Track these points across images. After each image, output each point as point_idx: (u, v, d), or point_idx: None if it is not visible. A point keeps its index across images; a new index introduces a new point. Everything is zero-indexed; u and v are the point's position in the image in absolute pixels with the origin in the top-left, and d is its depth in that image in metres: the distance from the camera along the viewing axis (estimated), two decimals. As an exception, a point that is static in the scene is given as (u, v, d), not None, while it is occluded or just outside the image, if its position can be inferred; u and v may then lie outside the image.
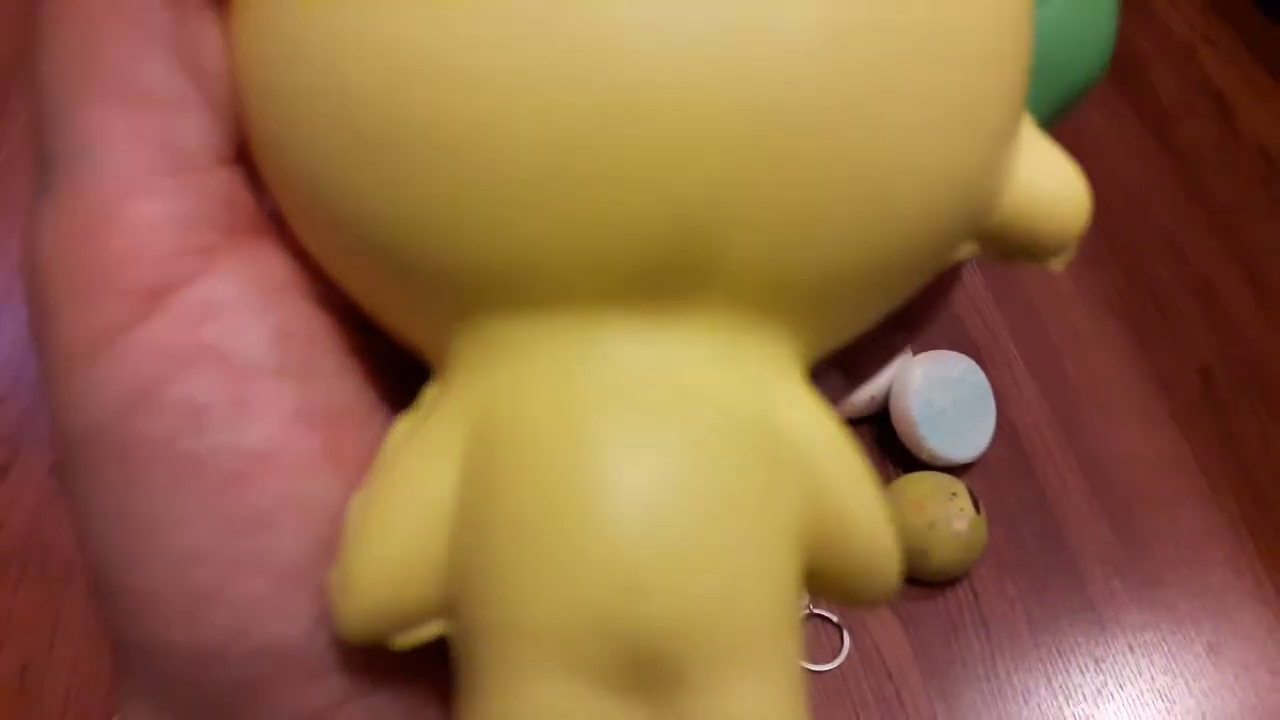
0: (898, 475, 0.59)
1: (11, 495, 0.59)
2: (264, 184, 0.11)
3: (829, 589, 0.10)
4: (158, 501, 0.10)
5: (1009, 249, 0.11)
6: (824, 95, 0.08)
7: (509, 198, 0.08)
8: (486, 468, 0.09)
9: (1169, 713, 0.55)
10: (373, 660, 0.10)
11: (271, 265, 0.10)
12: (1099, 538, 0.61)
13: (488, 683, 0.09)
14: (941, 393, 0.60)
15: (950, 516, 0.55)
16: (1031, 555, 0.60)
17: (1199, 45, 0.88)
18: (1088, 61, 0.12)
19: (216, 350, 0.10)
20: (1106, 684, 0.56)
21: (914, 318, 0.13)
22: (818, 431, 0.10)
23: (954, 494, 0.56)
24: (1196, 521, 0.62)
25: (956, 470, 0.61)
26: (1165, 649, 0.57)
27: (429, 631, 0.10)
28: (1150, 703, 0.55)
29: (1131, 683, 0.56)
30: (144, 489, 0.10)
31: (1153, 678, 0.56)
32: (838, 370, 0.14)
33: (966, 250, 0.11)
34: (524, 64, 0.08)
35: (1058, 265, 0.12)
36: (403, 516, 0.09)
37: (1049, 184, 0.11)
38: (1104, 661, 0.56)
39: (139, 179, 0.10)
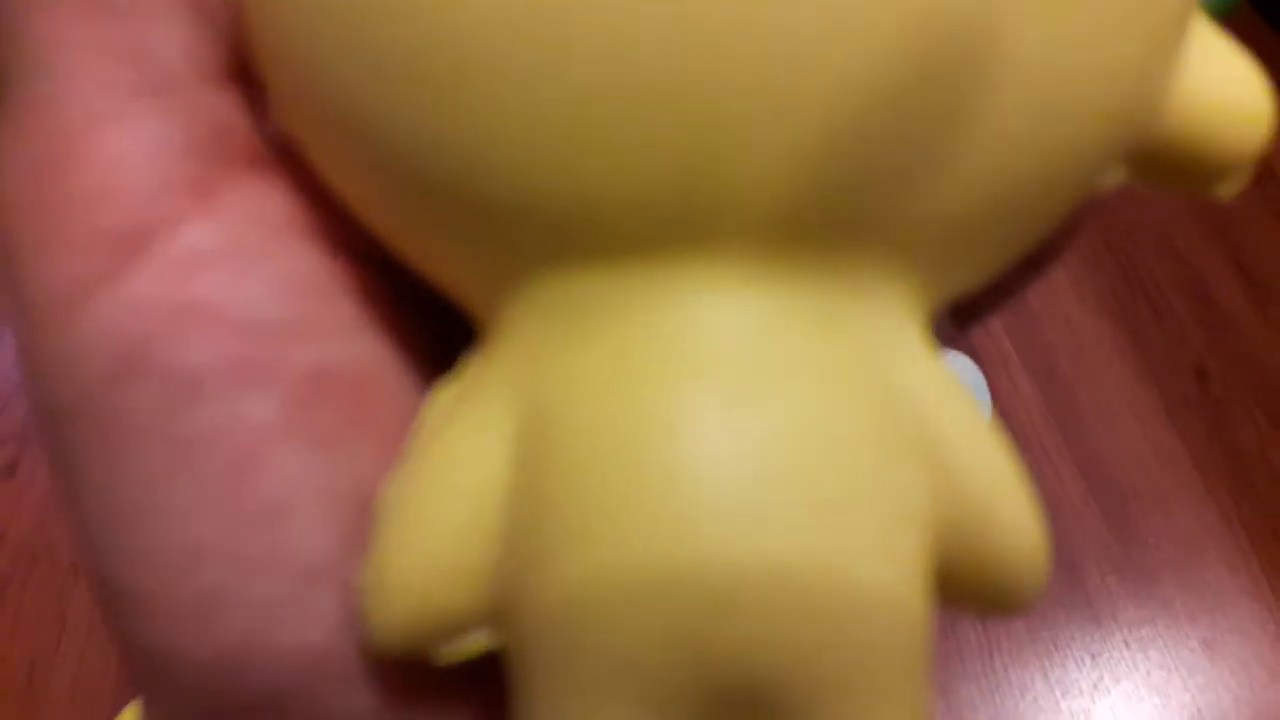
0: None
1: (18, 493, 0.59)
2: (266, 105, 0.09)
3: (964, 594, 0.08)
4: (153, 489, 0.08)
5: (1170, 169, 0.09)
6: None
7: (583, 115, 0.07)
8: (544, 452, 0.08)
9: (1164, 707, 0.55)
10: (409, 670, 0.09)
11: (273, 203, 0.09)
12: (1095, 534, 0.61)
13: (546, 710, 0.08)
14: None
15: (947, 512, 0.55)
16: (1028, 551, 0.59)
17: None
18: None
19: (211, 305, 0.08)
20: (1102, 679, 0.56)
21: (1040, 253, 0.11)
22: (946, 404, 0.08)
23: (951, 490, 0.56)
24: (1192, 518, 0.62)
25: (953, 467, 0.61)
26: (1161, 644, 0.57)
27: (475, 644, 0.08)
28: (1146, 697, 0.55)
29: (1127, 677, 0.56)
30: (136, 474, 0.08)
31: (1148, 673, 0.56)
32: (946, 312, 0.12)
33: (1116, 175, 0.09)
34: None
35: (1225, 191, 0.09)
36: (446, 506, 0.08)
37: (1221, 88, 0.09)
38: (1100, 656, 0.56)
39: (109, 101, 0.08)
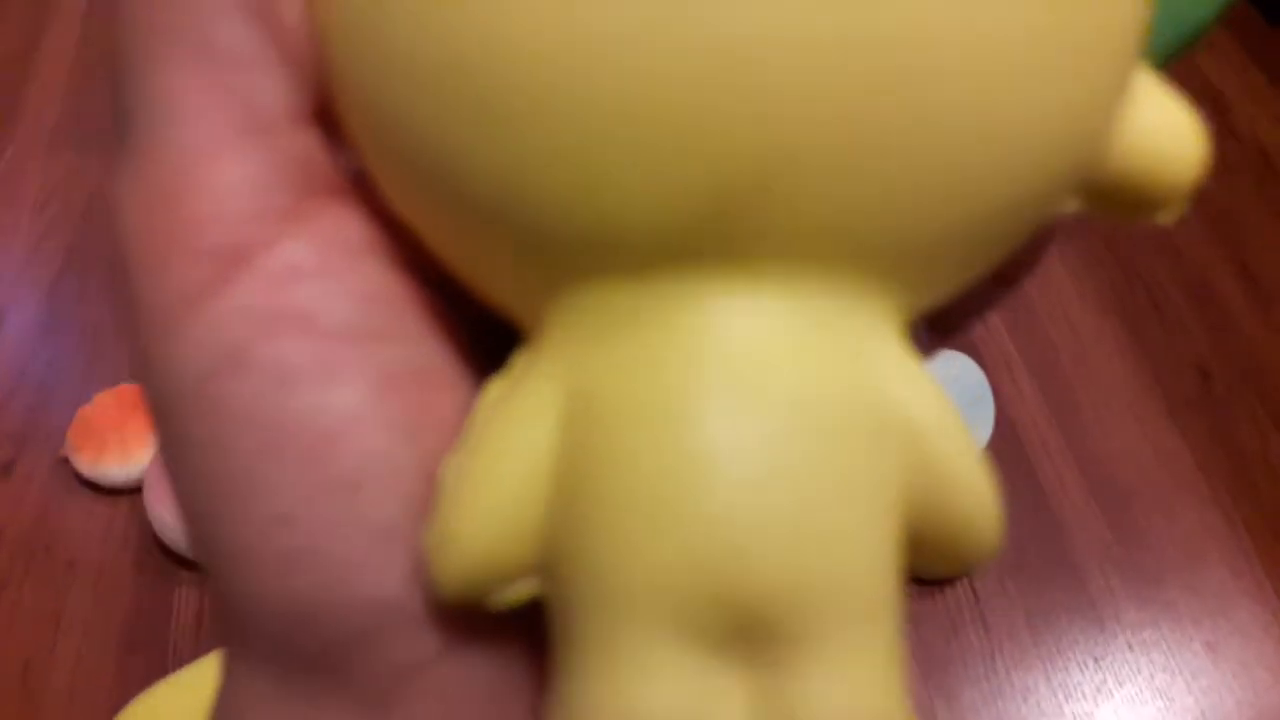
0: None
1: (16, 493, 0.59)
2: (342, 145, 0.10)
3: (929, 554, 0.10)
4: (249, 464, 0.10)
5: (1117, 203, 0.11)
6: (924, 38, 0.08)
7: (613, 155, 0.08)
8: (587, 432, 0.09)
9: (1168, 710, 0.55)
10: (466, 618, 0.10)
11: (351, 228, 0.10)
12: (1097, 536, 0.61)
13: (587, 642, 0.09)
14: (941, 391, 0.60)
15: (950, 514, 0.55)
16: (1030, 553, 0.60)
17: (1198, 47, 0.88)
18: (1205, 3, 0.11)
19: (301, 313, 0.10)
20: (1106, 682, 0.56)
21: (1007, 271, 0.13)
22: (917, 393, 0.10)
23: (954, 492, 0.56)
24: (1194, 520, 0.62)
25: (956, 469, 0.61)
26: (1164, 647, 0.57)
27: (523, 591, 0.10)
28: (1149, 700, 0.55)
29: (1130, 680, 0.56)
30: (235, 452, 0.10)
31: (1151, 676, 0.56)
32: (924, 325, 0.13)
33: (1071, 205, 0.11)
34: (628, 15, 0.08)
35: (1167, 218, 0.11)
36: (501, 476, 0.10)
37: (1162, 131, 0.10)
38: (1103, 660, 0.56)
39: (217, 140, 0.10)
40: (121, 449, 0.57)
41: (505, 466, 0.10)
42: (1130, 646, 0.57)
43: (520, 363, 0.10)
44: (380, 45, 0.09)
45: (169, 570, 0.56)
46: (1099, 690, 0.55)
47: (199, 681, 0.50)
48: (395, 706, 0.10)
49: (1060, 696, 0.55)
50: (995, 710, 0.54)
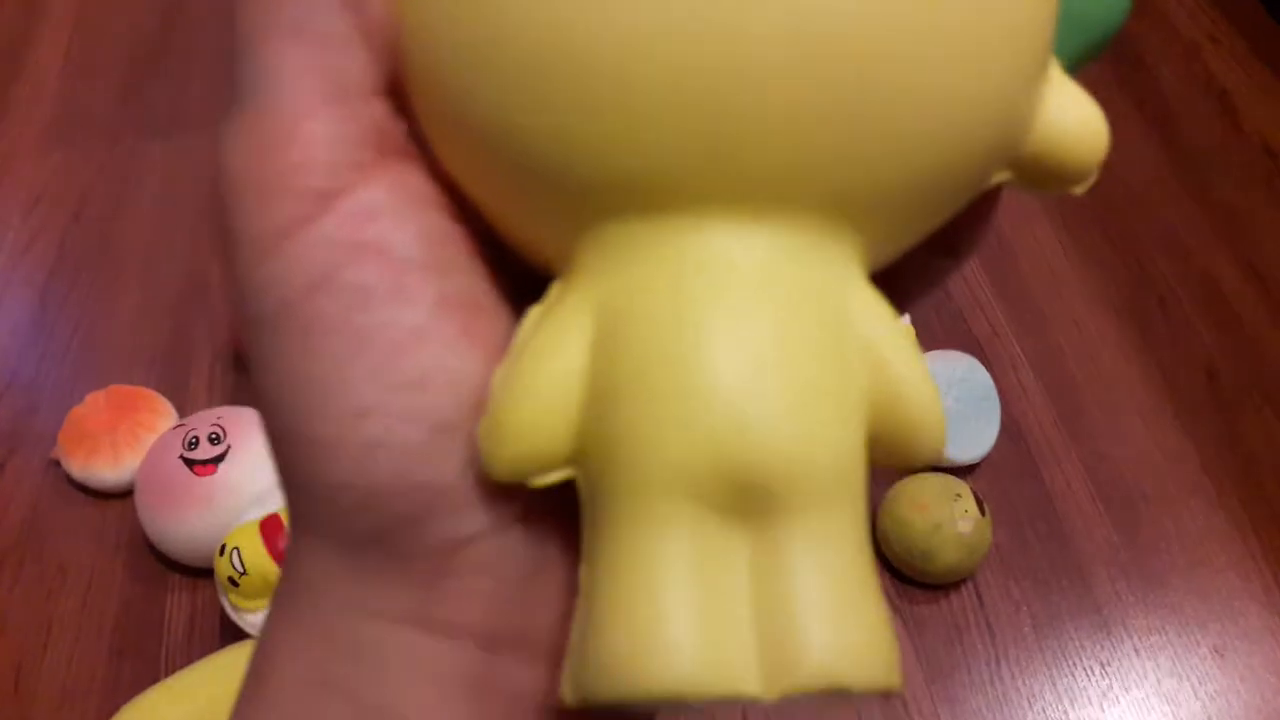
0: (901, 476, 0.58)
1: (7, 493, 0.59)
2: (409, 114, 0.13)
3: (885, 450, 0.12)
4: (335, 366, 0.12)
5: (1037, 176, 0.13)
6: (882, 32, 0.11)
7: (636, 114, 0.11)
8: (613, 341, 0.12)
9: (1175, 716, 0.55)
10: (510, 503, 0.13)
11: (414, 181, 0.13)
12: (1104, 539, 0.60)
13: (615, 515, 0.11)
14: (945, 392, 0.59)
15: (955, 518, 0.55)
16: (1036, 557, 0.59)
17: (1203, 43, 0.88)
18: (1107, 12, 0.14)
19: (377, 245, 0.12)
20: (1112, 687, 0.56)
21: (957, 243, 0.15)
22: (875, 316, 0.12)
23: (958, 495, 0.56)
24: (1202, 523, 0.62)
25: (961, 471, 0.61)
26: (1171, 652, 0.57)
27: (560, 476, 0.12)
28: (1156, 706, 0.55)
29: (1137, 686, 0.56)
30: (324, 356, 0.12)
31: (1158, 681, 0.56)
32: (883, 293, 0.16)
33: (1001, 176, 0.13)
34: (651, 16, 0.10)
35: (1080, 190, 0.14)
36: (542, 377, 0.12)
37: (1073, 118, 0.13)
38: (1109, 665, 0.56)
39: (310, 104, 0.12)
40: (113, 451, 0.57)
41: (546, 368, 0.12)
42: (1137, 651, 0.57)
43: (555, 290, 0.13)
44: (450, 33, 0.11)
45: (160, 574, 0.56)
46: (1105, 696, 0.55)
47: (191, 686, 0.50)
48: (447, 576, 0.13)
49: (1066, 702, 0.55)
50: (1000, 716, 0.54)
